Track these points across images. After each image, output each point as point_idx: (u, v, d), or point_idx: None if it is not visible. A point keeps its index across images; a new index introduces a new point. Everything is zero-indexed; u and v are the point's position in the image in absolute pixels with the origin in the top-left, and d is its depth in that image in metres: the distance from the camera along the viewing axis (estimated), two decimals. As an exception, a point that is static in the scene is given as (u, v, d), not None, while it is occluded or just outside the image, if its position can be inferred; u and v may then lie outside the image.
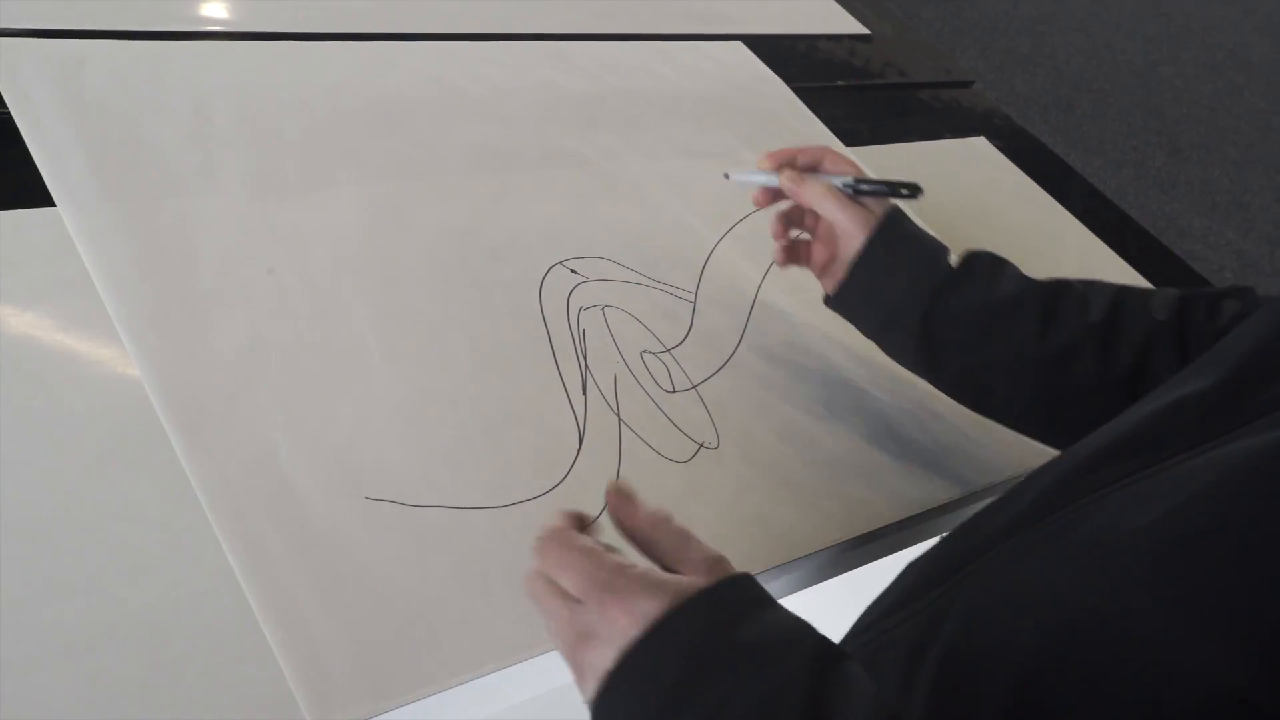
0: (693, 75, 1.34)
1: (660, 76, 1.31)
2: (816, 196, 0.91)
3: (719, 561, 0.63)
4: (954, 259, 0.91)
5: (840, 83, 1.50)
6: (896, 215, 0.92)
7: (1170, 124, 4.41)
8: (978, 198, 1.39)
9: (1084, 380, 0.86)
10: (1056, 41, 4.71)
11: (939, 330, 0.89)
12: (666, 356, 0.95)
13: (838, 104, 1.41)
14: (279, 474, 0.73)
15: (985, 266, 0.91)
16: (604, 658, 0.56)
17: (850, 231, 0.90)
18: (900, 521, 0.91)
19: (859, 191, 0.91)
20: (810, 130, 1.34)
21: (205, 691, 0.62)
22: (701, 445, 0.89)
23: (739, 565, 0.65)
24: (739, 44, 1.44)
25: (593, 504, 0.81)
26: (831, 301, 0.95)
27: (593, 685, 0.57)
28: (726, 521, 0.84)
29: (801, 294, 1.06)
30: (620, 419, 0.88)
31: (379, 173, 1.00)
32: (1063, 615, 0.59)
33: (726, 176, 0.99)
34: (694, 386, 0.94)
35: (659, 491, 0.84)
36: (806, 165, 0.94)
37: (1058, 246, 1.37)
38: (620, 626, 0.56)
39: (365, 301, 0.87)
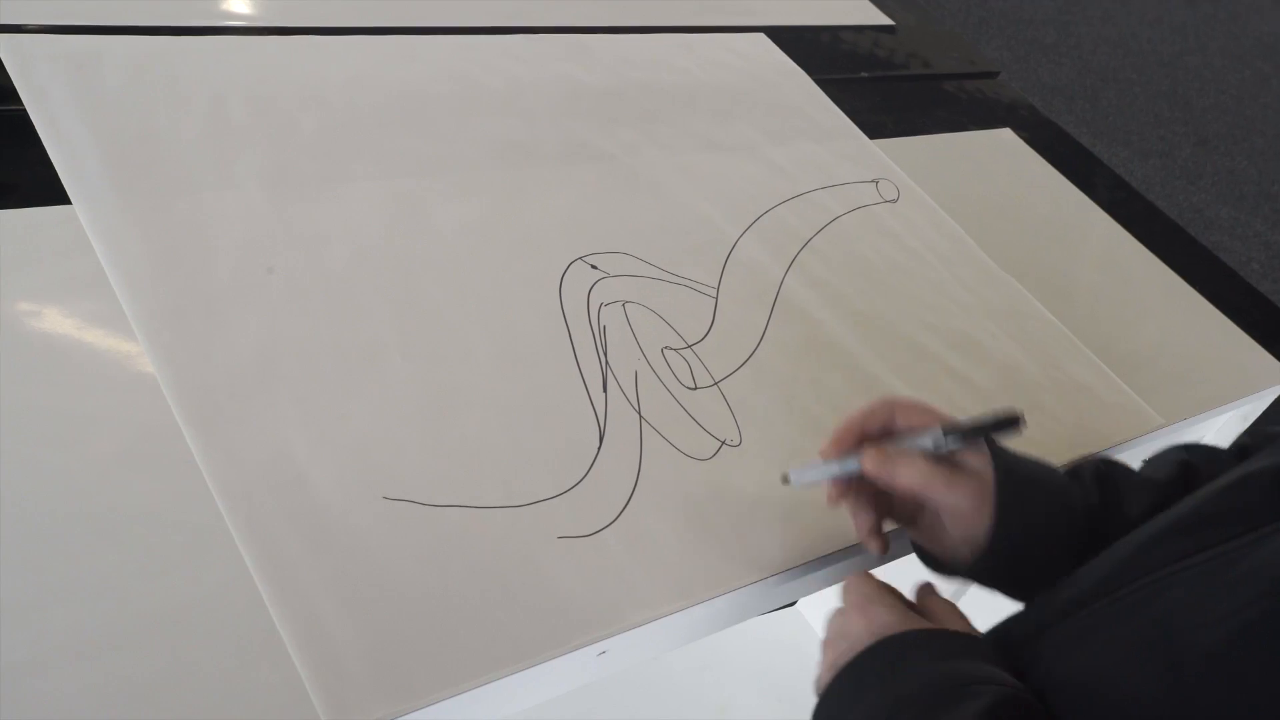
0: (714, 68, 1.32)
1: (681, 69, 1.30)
2: (916, 479, 0.75)
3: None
4: (1081, 481, 0.80)
5: (864, 74, 1.48)
6: (1004, 470, 0.76)
7: (1197, 114, 4.36)
8: (1004, 190, 1.37)
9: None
10: (1082, 31, 4.67)
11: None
12: (688, 353, 0.94)
13: (862, 96, 1.40)
14: (296, 473, 0.72)
15: (1116, 481, 0.81)
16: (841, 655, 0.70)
17: (965, 511, 0.76)
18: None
19: (950, 444, 0.76)
20: (834, 123, 1.32)
21: (222, 693, 0.61)
22: (724, 443, 0.88)
23: (759, 563, 0.80)
24: (761, 35, 1.43)
25: (613, 503, 0.80)
26: (971, 572, 0.79)
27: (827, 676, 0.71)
28: (749, 520, 0.83)
29: (824, 289, 1.05)
30: (641, 416, 0.87)
31: (397, 168, 0.99)
32: (1130, 699, 0.60)
33: (785, 481, 0.83)
34: (716, 383, 0.93)
35: (681, 489, 0.83)
36: (877, 431, 0.80)
37: (1084, 239, 1.35)
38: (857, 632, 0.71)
39: (383, 298, 0.86)
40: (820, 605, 1.60)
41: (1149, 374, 1.14)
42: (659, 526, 0.80)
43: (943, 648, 0.68)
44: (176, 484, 0.69)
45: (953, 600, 0.77)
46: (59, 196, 0.83)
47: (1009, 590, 0.79)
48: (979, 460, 0.76)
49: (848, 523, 0.82)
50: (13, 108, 0.88)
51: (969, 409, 1.00)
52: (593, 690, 0.77)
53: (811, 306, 1.04)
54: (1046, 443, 1.01)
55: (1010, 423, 0.76)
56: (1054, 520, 0.77)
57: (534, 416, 0.83)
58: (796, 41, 1.44)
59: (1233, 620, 0.57)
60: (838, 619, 0.75)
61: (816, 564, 0.84)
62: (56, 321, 0.76)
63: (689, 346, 0.95)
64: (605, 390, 0.88)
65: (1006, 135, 1.48)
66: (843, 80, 1.42)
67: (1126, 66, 4.53)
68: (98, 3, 1.02)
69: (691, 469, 0.85)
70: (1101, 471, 0.81)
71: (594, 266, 0.97)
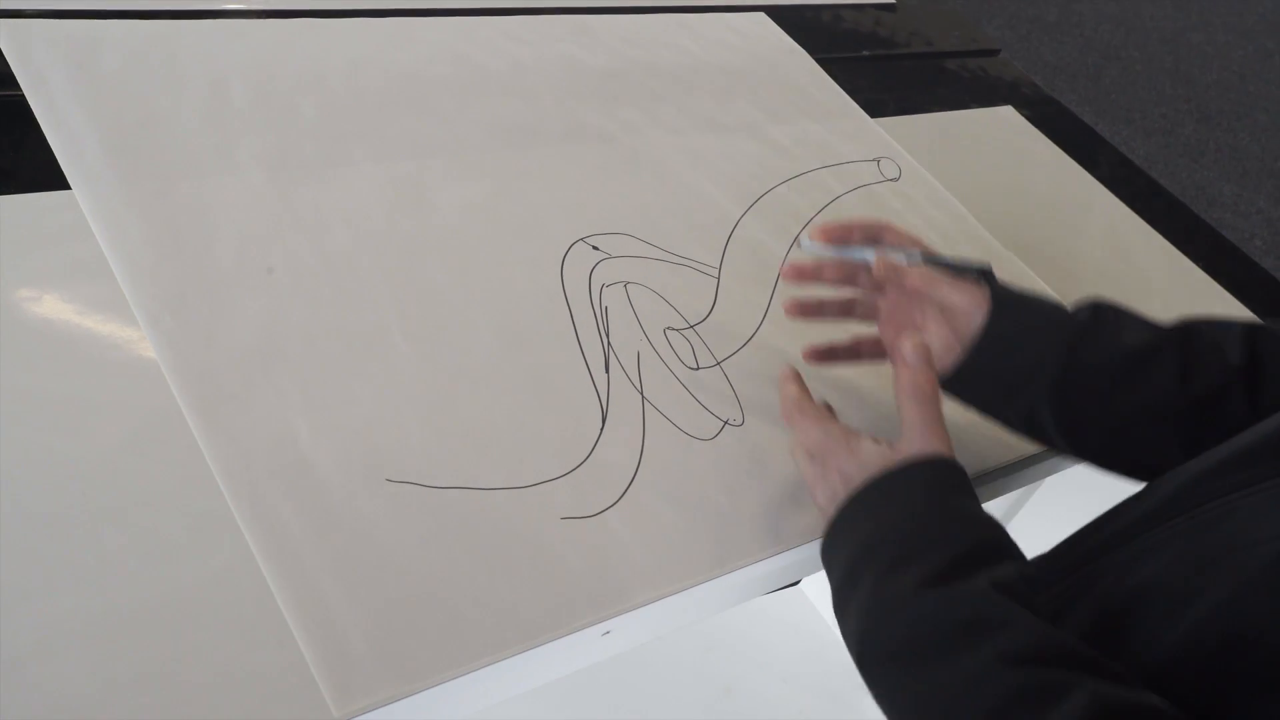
0: (715, 47, 1.32)
1: (682, 49, 1.29)
2: (928, 282, 0.85)
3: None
4: (1074, 309, 0.85)
5: (865, 53, 1.48)
6: (998, 284, 0.86)
7: (1200, 90, 4.35)
8: (1006, 168, 1.36)
9: (1235, 424, 0.77)
10: (1084, 8, 4.64)
11: (1074, 390, 0.82)
12: (690, 333, 0.94)
13: (863, 75, 1.39)
14: (299, 457, 0.72)
15: (1112, 314, 0.84)
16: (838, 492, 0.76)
17: (967, 309, 0.84)
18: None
19: (928, 263, 0.86)
20: (835, 103, 1.32)
21: (227, 677, 0.62)
22: (726, 422, 0.88)
23: (763, 542, 0.82)
24: (761, 15, 1.42)
25: (616, 483, 0.80)
26: (951, 383, 0.86)
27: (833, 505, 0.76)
28: (754, 498, 0.83)
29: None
30: (644, 396, 0.87)
31: (399, 151, 0.98)
32: (1196, 615, 0.63)
33: (797, 245, 0.93)
34: (718, 363, 0.93)
35: (684, 469, 0.83)
36: (867, 239, 0.89)
37: (1087, 216, 1.34)
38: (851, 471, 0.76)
39: (385, 281, 0.86)
40: (824, 585, 1.61)
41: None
42: (662, 506, 0.80)
43: (937, 479, 0.75)
44: (180, 469, 0.69)
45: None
46: (59, 181, 0.83)
47: (982, 400, 0.87)
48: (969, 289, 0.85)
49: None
50: (11, 93, 0.88)
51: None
52: (598, 670, 0.77)
53: (813, 286, 1.04)
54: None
55: (983, 270, 0.86)
56: (1043, 325, 0.83)
57: (536, 398, 0.83)
58: (797, 20, 1.44)
59: None
60: (820, 452, 0.79)
61: (820, 542, 0.84)
62: (57, 307, 0.76)
63: (691, 327, 0.95)
64: (608, 371, 0.87)
65: (1008, 113, 1.47)
66: (843, 59, 1.41)
67: (1129, 44, 4.51)
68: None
69: (694, 449, 0.85)
70: (1096, 304, 0.85)
71: (595, 248, 0.97)
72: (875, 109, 1.32)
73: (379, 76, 1.06)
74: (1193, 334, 0.83)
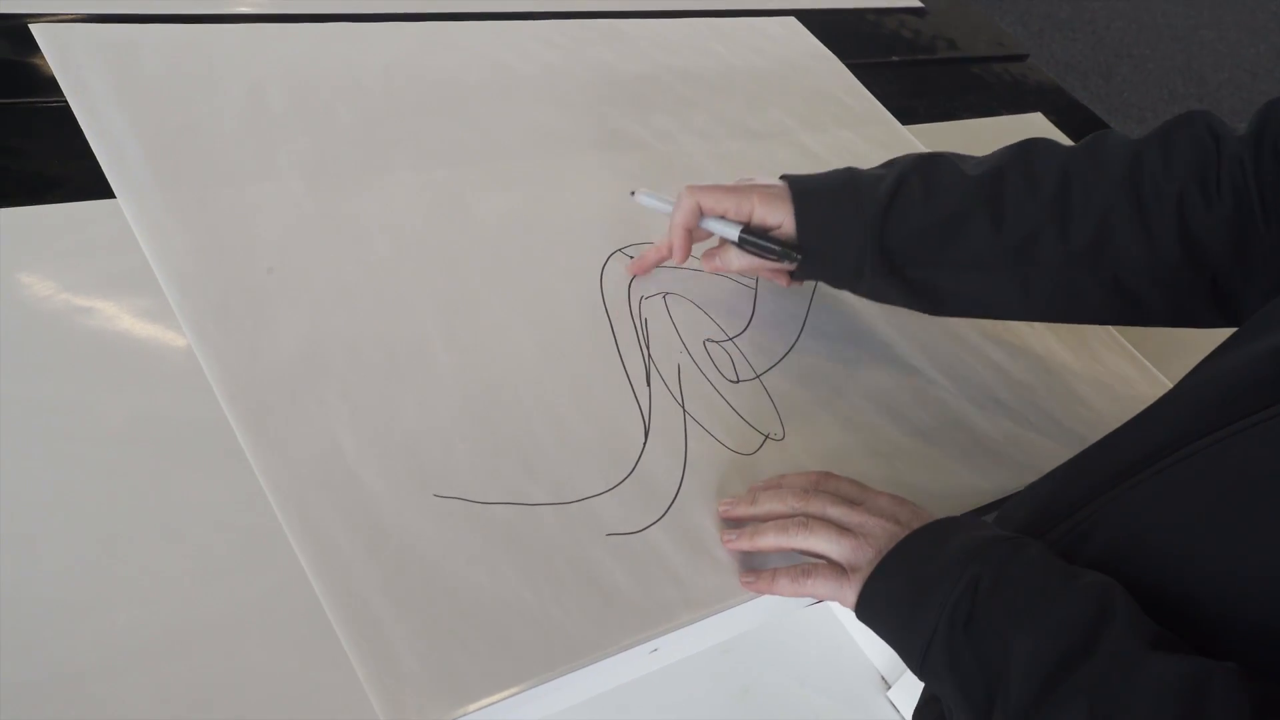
0: (746, 52, 1.32)
1: (713, 54, 1.29)
2: (740, 266, 0.93)
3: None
4: (876, 175, 0.90)
5: (895, 58, 1.47)
6: (798, 181, 0.91)
7: (1212, 89, 4.33)
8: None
9: (1050, 259, 0.86)
10: (1096, 6, 4.63)
11: (901, 262, 0.88)
12: (729, 345, 0.94)
13: (893, 80, 1.39)
14: (347, 472, 0.72)
15: (918, 181, 0.89)
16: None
17: (785, 231, 0.91)
18: (970, 512, 0.90)
19: (745, 244, 0.90)
20: (866, 109, 1.31)
21: (281, 695, 0.61)
22: (767, 436, 0.88)
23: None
24: (792, 19, 1.42)
25: (660, 499, 0.80)
26: (796, 277, 0.95)
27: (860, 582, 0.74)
28: (795, 515, 0.83)
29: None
30: (685, 410, 0.87)
31: (436, 157, 0.98)
32: (1207, 551, 0.63)
33: (633, 194, 0.97)
34: (758, 376, 0.93)
35: (726, 484, 0.83)
36: (694, 222, 0.93)
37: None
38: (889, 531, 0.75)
39: (426, 291, 0.86)
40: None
41: (1184, 364, 1.13)
42: (706, 522, 0.80)
43: (980, 524, 0.76)
44: (230, 483, 0.69)
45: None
46: (104, 190, 0.82)
47: (837, 286, 0.94)
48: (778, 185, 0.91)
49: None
50: (57, 100, 0.88)
51: (1007, 400, 1.00)
52: (629, 688, 0.77)
53: (849, 295, 1.03)
54: (1084, 432, 1.01)
55: (794, 252, 0.89)
56: (845, 218, 0.88)
57: (579, 411, 0.83)
58: (827, 24, 1.43)
59: None
60: (874, 506, 0.78)
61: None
62: (105, 317, 0.76)
63: (730, 339, 0.95)
64: (649, 384, 0.87)
65: (1038, 120, 1.47)
66: (873, 64, 1.41)
67: (1140, 41, 4.50)
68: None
69: (736, 464, 0.85)
70: (911, 165, 0.90)
71: (633, 258, 0.97)
72: (905, 115, 1.32)
73: (414, 81, 1.05)
74: (1006, 175, 0.87)
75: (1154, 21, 4.70)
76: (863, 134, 1.26)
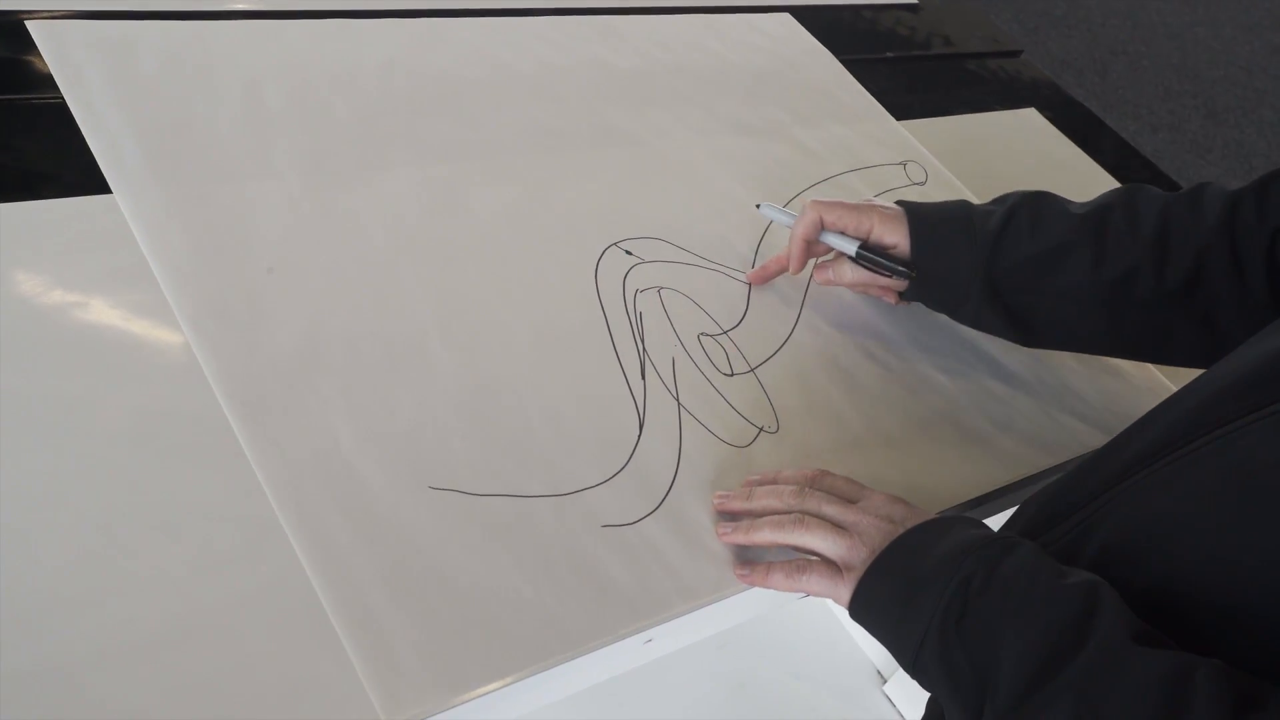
0: (741, 49, 1.32)
1: (708, 51, 1.29)
2: (852, 280, 0.99)
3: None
4: (988, 209, 0.95)
5: (889, 54, 1.48)
6: (914, 207, 0.96)
7: (1207, 86, 4.34)
8: (1031, 172, 1.36)
9: (1145, 296, 0.90)
10: (1091, 3, 4.64)
11: (1001, 292, 0.93)
12: (724, 339, 0.94)
13: (887, 76, 1.39)
14: (343, 464, 0.73)
15: (1026, 215, 0.93)
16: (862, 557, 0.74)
17: (901, 249, 0.95)
18: (961, 504, 0.90)
19: (862, 259, 0.96)
20: (861, 105, 1.32)
21: (278, 685, 0.62)
22: (761, 429, 0.89)
23: None
24: (786, 15, 1.42)
25: (654, 490, 0.80)
26: (906, 296, 1.00)
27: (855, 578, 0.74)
28: (789, 508, 0.84)
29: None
30: (680, 403, 0.87)
31: (432, 153, 0.99)
32: (1209, 543, 0.65)
33: (758, 207, 1.04)
34: (752, 369, 0.93)
35: (720, 477, 0.83)
36: (817, 247, 0.99)
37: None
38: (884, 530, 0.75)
39: (423, 286, 0.87)
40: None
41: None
42: (700, 513, 0.80)
43: (973, 523, 0.77)
44: (228, 477, 0.70)
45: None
46: (99, 185, 0.83)
47: (940, 309, 0.99)
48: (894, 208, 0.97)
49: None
50: (52, 96, 0.88)
51: (999, 393, 1.01)
52: (624, 680, 0.78)
53: (843, 290, 1.04)
54: (1075, 425, 1.01)
55: (910, 269, 0.94)
56: (957, 245, 0.93)
57: (574, 404, 0.83)
58: (820, 20, 1.44)
59: None
60: (870, 505, 0.79)
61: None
62: (102, 312, 0.76)
63: (725, 332, 0.95)
64: (644, 377, 0.88)
65: (1031, 115, 1.47)
66: (867, 60, 1.41)
67: (1135, 39, 4.51)
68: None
69: (731, 456, 0.85)
70: (1021, 201, 0.95)
71: (628, 252, 0.98)
72: (900, 111, 1.32)
73: (410, 78, 1.06)
74: (1110, 214, 0.92)
75: (1149, 19, 4.71)
76: (858, 129, 1.27)
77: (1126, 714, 0.59)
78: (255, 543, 0.67)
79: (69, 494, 0.66)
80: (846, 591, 0.74)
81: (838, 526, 0.76)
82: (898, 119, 1.32)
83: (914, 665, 0.70)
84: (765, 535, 0.78)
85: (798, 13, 1.43)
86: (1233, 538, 0.64)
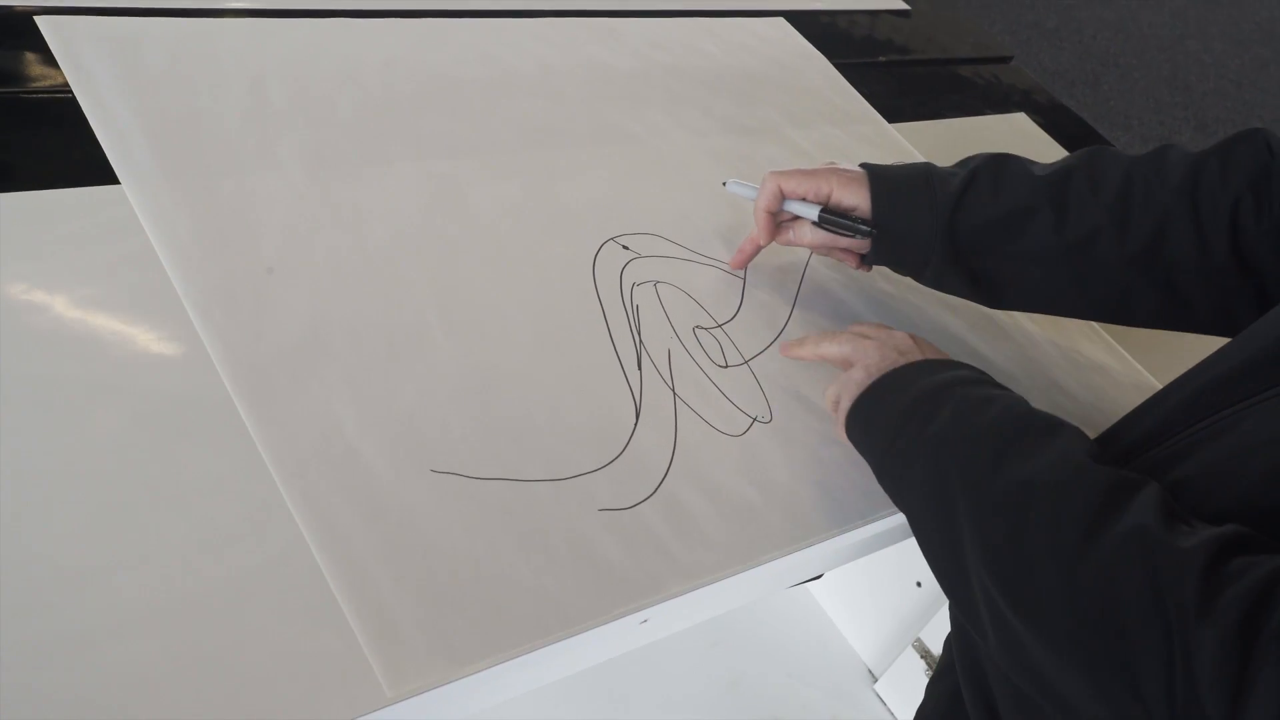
0: (736, 51, 1.34)
1: (704, 53, 1.32)
2: (813, 241, 0.99)
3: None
4: (949, 172, 0.96)
5: (882, 59, 1.50)
6: (875, 169, 0.97)
7: (1197, 98, 4.38)
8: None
9: (1107, 258, 0.91)
10: (1083, 15, 4.68)
11: (962, 254, 0.94)
12: (719, 331, 0.96)
13: (880, 80, 1.42)
14: (347, 447, 0.74)
15: (988, 178, 0.94)
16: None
17: (862, 210, 0.96)
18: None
19: (824, 222, 0.97)
20: (853, 107, 1.34)
21: (285, 658, 0.63)
22: (755, 419, 0.90)
23: (792, 536, 0.85)
24: (781, 20, 1.45)
25: (650, 476, 0.82)
26: (868, 259, 1.00)
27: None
28: (782, 492, 0.86)
29: (849, 270, 1.07)
30: (675, 393, 0.89)
31: (433, 149, 1.01)
32: (1214, 515, 0.66)
33: (724, 184, 1.04)
34: (746, 361, 0.95)
35: (715, 463, 0.85)
36: (781, 215, 1.00)
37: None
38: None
39: (424, 278, 0.88)
40: (831, 581, 1.63)
41: (1162, 354, 1.16)
42: (695, 499, 0.82)
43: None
44: (235, 459, 0.71)
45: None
46: (105, 176, 0.85)
47: (901, 270, 1.00)
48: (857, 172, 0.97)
49: (877, 497, 0.85)
50: (62, 90, 0.90)
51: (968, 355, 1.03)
52: (604, 663, 0.79)
53: (835, 286, 1.06)
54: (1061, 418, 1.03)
55: (870, 228, 0.95)
56: (919, 206, 0.94)
57: (573, 393, 0.85)
58: (814, 25, 1.46)
59: None
60: (883, 337, 0.91)
61: (845, 535, 0.86)
62: (112, 299, 0.78)
63: (719, 326, 0.97)
64: (640, 368, 0.90)
65: (1021, 119, 1.50)
66: (860, 64, 1.44)
67: (1127, 51, 4.54)
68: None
69: (725, 444, 0.87)
70: (984, 163, 0.96)
71: (625, 247, 0.99)
72: (892, 114, 1.35)
73: (412, 76, 1.08)
74: (1072, 177, 0.93)
75: (1140, 31, 4.74)
76: (851, 131, 1.29)
77: (1079, 507, 0.67)
78: (261, 522, 0.69)
79: (81, 473, 0.67)
80: (848, 400, 0.86)
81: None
82: (890, 122, 1.34)
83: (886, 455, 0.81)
84: (807, 348, 0.93)
85: (792, 17, 1.45)
86: (1226, 509, 0.67)
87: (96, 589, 0.63)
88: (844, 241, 0.97)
